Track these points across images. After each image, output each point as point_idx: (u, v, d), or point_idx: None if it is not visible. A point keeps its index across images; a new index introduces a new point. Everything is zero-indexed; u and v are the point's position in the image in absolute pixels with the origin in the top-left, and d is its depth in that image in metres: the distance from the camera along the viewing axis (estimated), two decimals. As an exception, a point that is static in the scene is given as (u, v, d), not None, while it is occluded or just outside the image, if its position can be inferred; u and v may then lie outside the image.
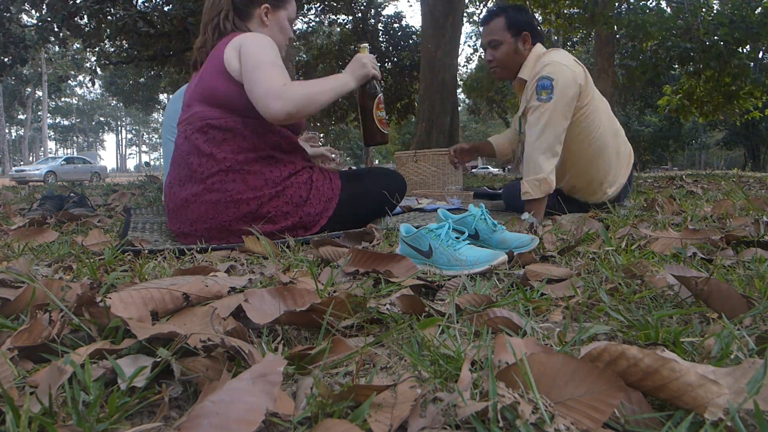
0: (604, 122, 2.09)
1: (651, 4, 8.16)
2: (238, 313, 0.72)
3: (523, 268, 1.10)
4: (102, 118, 63.94)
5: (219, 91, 1.51)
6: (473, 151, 2.54)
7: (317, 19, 15.28)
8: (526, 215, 1.86)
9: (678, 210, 1.97)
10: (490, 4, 15.87)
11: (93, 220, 2.07)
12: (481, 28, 2.24)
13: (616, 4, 7.43)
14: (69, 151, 64.46)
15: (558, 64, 1.95)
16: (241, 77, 1.47)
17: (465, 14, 11.98)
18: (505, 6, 2.18)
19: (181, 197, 1.55)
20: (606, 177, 2.14)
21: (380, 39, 14.27)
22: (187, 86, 2.39)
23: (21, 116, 42.49)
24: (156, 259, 1.30)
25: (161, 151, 2.49)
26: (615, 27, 7.40)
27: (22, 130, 43.67)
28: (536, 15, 11.21)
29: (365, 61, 1.64)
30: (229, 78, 1.50)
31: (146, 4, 8.45)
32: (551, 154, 1.94)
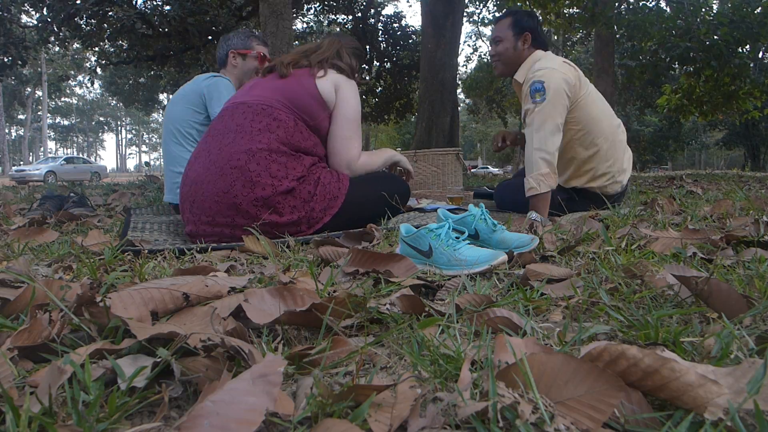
0: (605, 113, 2.21)
1: (651, 4, 8.15)
2: (238, 313, 0.72)
3: (523, 268, 1.10)
4: (102, 118, 63.94)
5: (295, 92, 1.68)
6: (515, 139, 2.63)
7: (317, 19, 15.27)
8: (533, 214, 1.91)
9: (678, 210, 1.97)
10: (489, 5, 15.89)
11: (93, 220, 2.07)
12: (491, 28, 2.38)
13: (616, 4, 7.42)
14: (69, 151, 64.48)
15: (548, 69, 2.10)
16: (330, 102, 1.74)
17: (465, 14, 11.97)
18: (516, 10, 2.34)
19: (203, 167, 1.59)
20: (621, 165, 2.24)
21: (380, 39, 14.25)
22: (187, 85, 2.39)
23: (21, 116, 42.49)
24: (156, 259, 1.30)
25: (161, 151, 2.49)
26: (615, 27, 7.40)
27: (22, 130, 43.66)
28: (536, 15, 11.23)
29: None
30: (318, 100, 1.71)
31: (146, 5, 8.45)
32: (550, 152, 2.04)
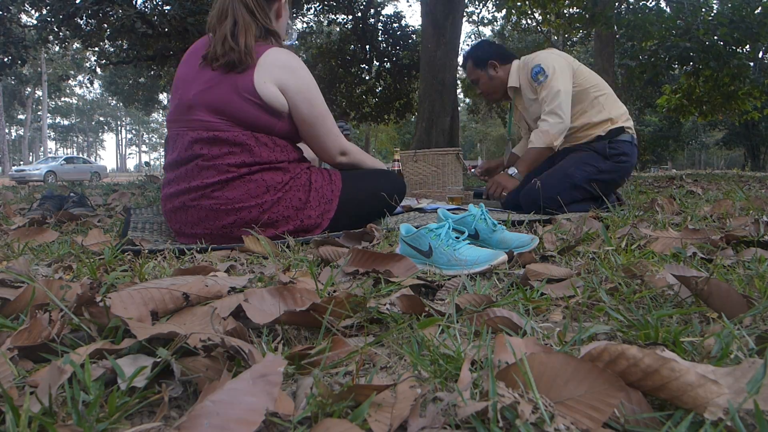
0: (595, 74, 2.39)
1: (651, 4, 8.16)
2: (238, 313, 0.72)
3: (523, 267, 1.10)
4: (102, 118, 63.96)
5: (239, 110, 1.48)
6: (500, 167, 2.83)
7: (316, 19, 15.28)
8: (512, 170, 2.18)
9: (678, 210, 1.97)
10: (489, 5, 15.90)
11: (93, 220, 2.07)
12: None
13: (616, 4, 7.43)
14: (69, 151, 64.50)
15: (541, 54, 2.31)
16: (282, 109, 1.54)
17: (465, 14, 11.98)
18: (469, 50, 2.56)
19: (178, 200, 1.53)
20: (621, 109, 2.35)
21: (380, 38, 14.27)
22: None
23: (21, 116, 42.50)
24: (156, 259, 1.30)
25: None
26: (615, 27, 7.40)
27: (22, 130, 43.67)
28: (536, 15, 11.22)
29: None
30: (265, 108, 1.50)
31: (146, 4, 8.45)
32: (562, 116, 2.20)
